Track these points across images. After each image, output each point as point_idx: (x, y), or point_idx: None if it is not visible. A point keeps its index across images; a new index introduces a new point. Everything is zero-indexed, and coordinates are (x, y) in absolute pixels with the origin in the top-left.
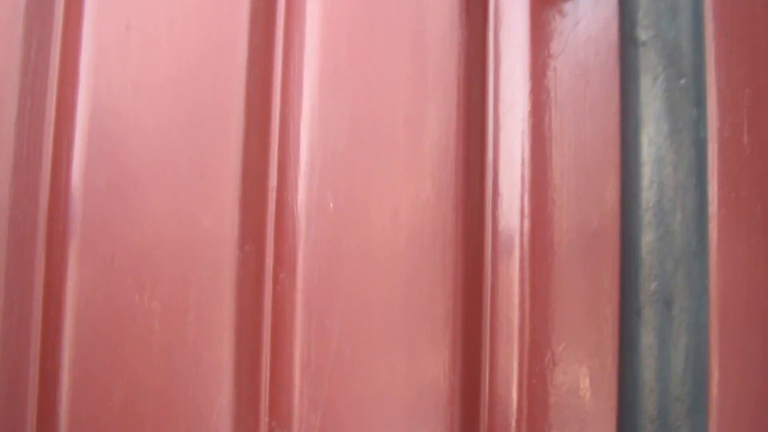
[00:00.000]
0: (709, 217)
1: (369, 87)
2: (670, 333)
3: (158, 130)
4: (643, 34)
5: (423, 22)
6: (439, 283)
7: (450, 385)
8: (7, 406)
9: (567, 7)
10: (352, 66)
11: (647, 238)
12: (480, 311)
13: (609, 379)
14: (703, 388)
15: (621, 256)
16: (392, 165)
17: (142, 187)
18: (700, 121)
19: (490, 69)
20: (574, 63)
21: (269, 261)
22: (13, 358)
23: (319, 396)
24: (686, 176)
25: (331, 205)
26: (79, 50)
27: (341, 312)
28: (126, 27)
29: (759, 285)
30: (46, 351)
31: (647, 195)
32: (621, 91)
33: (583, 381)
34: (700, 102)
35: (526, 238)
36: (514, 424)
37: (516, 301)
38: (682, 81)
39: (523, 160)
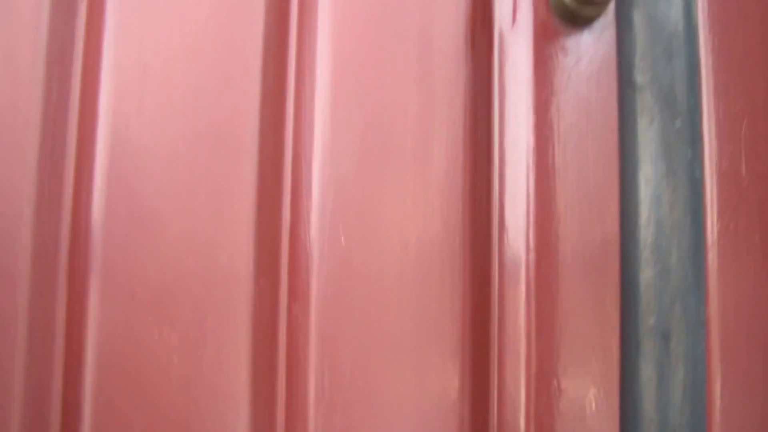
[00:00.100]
0: (704, 254)
1: (378, 125)
2: (668, 365)
3: (175, 169)
4: (639, 78)
5: (430, 60)
6: (448, 316)
7: (460, 413)
8: None
9: (569, 44)
10: (361, 105)
11: (645, 274)
12: (488, 341)
13: (612, 407)
14: (701, 418)
15: (621, 291)
16: (401, 200)
17: (160, 225)
18: (694, 161)
19: (495, 104)
20: (577, 99)
21: (283, 294)
22: (36, 391)
23: (333, 425)
24: (682, 215)
25: (343, 240)
26: (98, 92)
27: (354, 343)
28: (143, 70)
29: (759, 312)
30: (68, 384)
31: (645, 233)
32: (619, 132)
33: (587, 409)
34: (694, 143)
35: (531, 271)
36: None
37: (522, 331)
38: (677, 123)
39: (528, 193)
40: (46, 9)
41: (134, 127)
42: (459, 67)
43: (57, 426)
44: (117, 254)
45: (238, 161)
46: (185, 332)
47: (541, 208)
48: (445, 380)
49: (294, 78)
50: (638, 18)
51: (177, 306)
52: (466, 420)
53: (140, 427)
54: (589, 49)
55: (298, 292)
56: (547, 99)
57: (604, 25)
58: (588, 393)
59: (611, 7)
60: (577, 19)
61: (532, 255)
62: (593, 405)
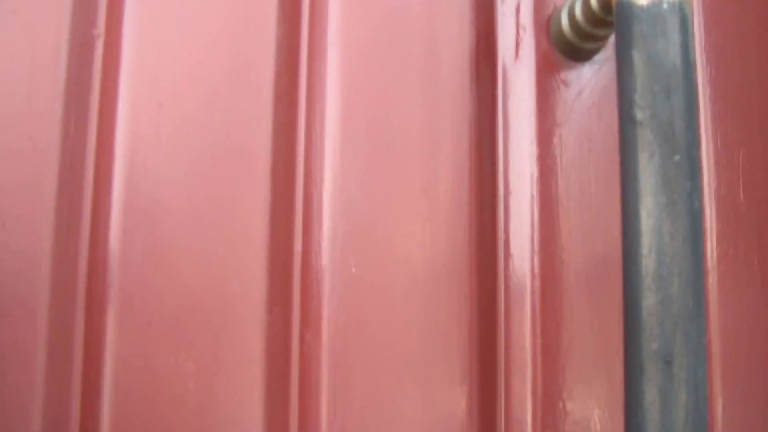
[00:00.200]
0: (704, 282)
1: (386, 156)
2: (671, 389)
3: (190, 201)
4: (639, 114)
5: (436, 93)
6: (456, 340)
7: None
8: None
9: (570, 77)
10: (369, 137)
11: (647, 302)
12: (494, 364)
13: (616, 429)
14: None
15: (624, 317)
16: (410, 230)
17: (176, 255)
18: (693, 194)
19: (500, 136)
20: (578, 130)
21: (296, 322)
22: (55, 417)
23: None
24: (682, 245)
25: (353, 269)
26: (114, 127)
27: (365, 369)
28: (159, 105)
29: (758, 335)
30: (86, 411)
31: (646, 262)
32: (621, 166)
33: (592, 430)
34: (693, 176)
35: (536, 296)
36: None
37: (528, 355)
38: (677, 157)
39: (532, 221)
40: (64, 48)
41: (150, 159)
42: (464, 100)
43: None
44: (134, 283)
45: (251, 192)
46: (201, 359)
47: (545, 236)
48: (453, 403)
49: (304, 111)
50: (638, 56)
51: (193, 333)
52: None
53: None
54: (590, 81)
55: (310, 320)
56: (549, 130)
57: (604, 59)
58: (593, 415)
59: (610, 42)
60: (578, 54)
61: (537, 281)
62: (598, 426)
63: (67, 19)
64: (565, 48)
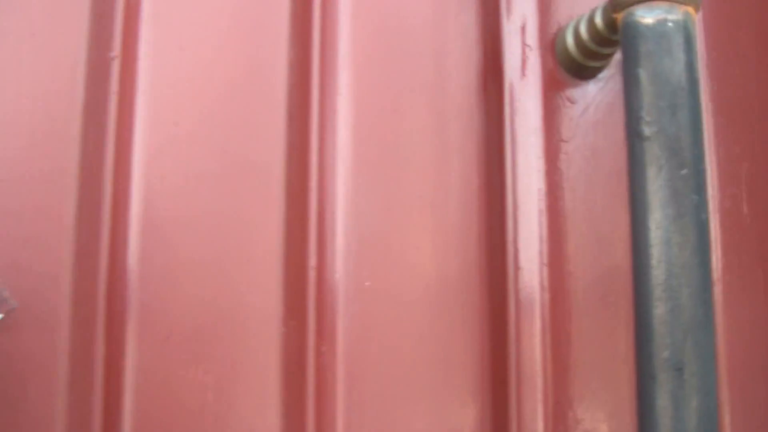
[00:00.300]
0: (712, 291)
1: (397, 173)
2: (682, 396)
3: (207, 218)
4: (646, 130)
5: (444, 111)
6: (468, 353)
7: None
8: None
9: (576, 94)
10: (381, 154)
11: (658, 311)
12: (506, 376)
13: None
14: None
15: (635, 327)
16: (421, 244)
17: (193, 271)
18: (701, 206)
19: (508, 152)
20: (584, 146)
21: (311, 335)
22: (76, 429)
23: None
24: (691, 256)
25: (367, 282)
26: (131, 145)
27: (379, 381)
28: (174, 123)
29: (763, 344)
30: (107, 424)
31: (656, 273)
32: (629, 181)
33: None
34: (700, 189)
35: (546, 308)
36: None
37: (539, 366)
38: (684, 171)
39: (540, 235)
40: (81, 70)
41: (167, 177)
42: (472, 117)
43: None
44: (152, 298)
45: (266, 208)
46: (219, 371)
47: (553, 249)
48: (465, 414)
49: (317, 129)
50: (644, 74)
51: (211, 346)
52: None
53: None
54: (595, 99)
55: (325, 332)
56: (556, 146)
57: (608, 77)
58: (603, 423)
59: (614, 60)
60: (583, 72)
61: (547, 293)
62: None
63: (84, 41)
64: (570, 66)
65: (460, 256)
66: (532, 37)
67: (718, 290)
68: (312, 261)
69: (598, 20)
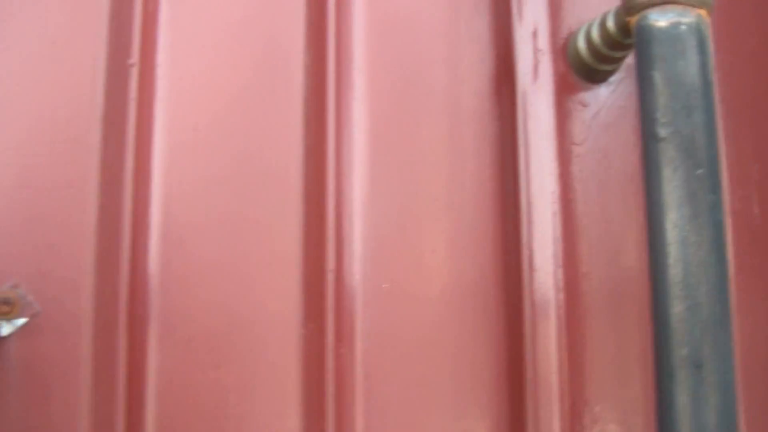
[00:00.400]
0: (729, 289)
1: (413, 177)
2: (702, 393)
3: (226, 223)
4: (662, 131)
5: (458, 115)
6: (485, 353)
7: None
8: None
9: (587, 98)
10: (396, 159)
11: (676, 309)
12: (522, 376)
13: None
14: None
15: (653, 325)
16: (439, 247)
17: (213, 275)
18: (716, 206)
19: (521, 155)
20: (596, 148)
21: (330, 337)
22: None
23: None
24: (707, 254)
25: (384, 285)
26: (151, 151)
27: (398, 382)
28: (194, 129)
29: None
30: (130, 425)
31: (674, 271)
32: (645, 181)
33: None
34: (715, 189)
35: (561, 309)
36: None
37: (555, 367)
38: (699, 171)
39: (554, 237)
40: (101, 77)
41: (186, 182)
42: (486, 121)
43: None
44: (174, 302)
45: (284, 213)
46: (240, 373)
47: (567, 250)
48: (483, 414)
49: (333, 135)
50: (658, 76)
51: (231, 349)
52: None
53: None
54: (607, 101)
55: (343, 334)
56: (569, 149)
57: (619, 80)
58: (619, 423)
59: (625, 63)
60: (595, 75)
61: (562, 294)
62: None
63: (103, 50)
64: (581, 70)
65: (476, 259)
66: (544, 42)
67: (731, 289)
68: (330, 264)
69: (610, 24)
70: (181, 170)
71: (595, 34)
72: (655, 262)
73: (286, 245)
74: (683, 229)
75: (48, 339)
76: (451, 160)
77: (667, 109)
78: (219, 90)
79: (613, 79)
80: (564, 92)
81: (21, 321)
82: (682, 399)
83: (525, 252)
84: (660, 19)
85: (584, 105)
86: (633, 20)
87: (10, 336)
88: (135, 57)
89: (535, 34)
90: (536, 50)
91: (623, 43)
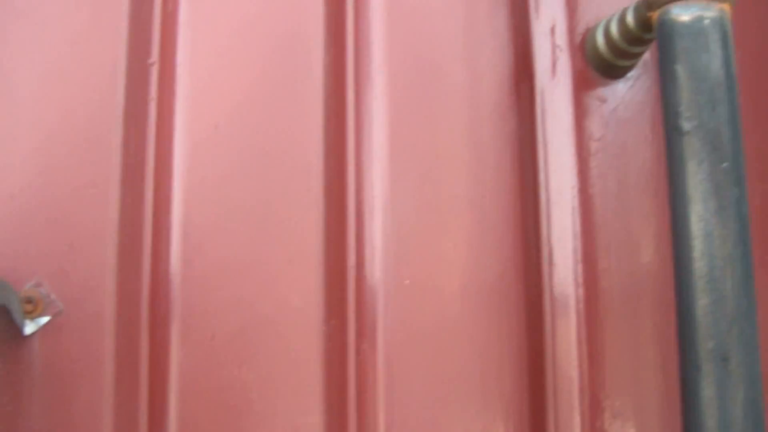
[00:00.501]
0: (753, 282)
1: (433, 173)
2: (729, 386)
3: (248, 219)
4: (686, 125)
5: (478, 112)
6: (506, 348)
7: None
8: None
9: (606, 93)
10: (417, 156)
11: (701, 302)
12: (543, 371)
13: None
14: None
15: (678, 318)
16: (459, 243)
17: (235, 272)
18: (741, 199)
19: (540, 151)
20: (615, 143)
21: (352, 333)
22: (123, 429)
23: None
24: (733, 248)
25: (406, 281)
26: (172, 150)
27: (419, 378)
28: (215, 127)
29: None
30: (153, 423)
31: (699, 265)
32: (669, 175)
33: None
34: (740, 182)
35: (581, 305)
36: None
37: (575, 361)
38: (724, 165)
39: (574, 232)
40: (121, 77)
41: (208, 180)
42: (505, 118)
43: None
44: (196, 300)
45: (305, 209)
46: (263, 370)
47: (587, 245)
48: (504, 407)
49: (353, 131)
50: (682, 70)
51: (254, 346)
52: None
53: None
54: (625, 97)
55: (365, 330)
56: (587, 145)
57: (637, 76)
58: (639, 417)
59: (643, 59)
60: (613, 71)
61: (581, 289)
62: (645, 428)
63: (123, 49)
64: (600, 66)
65: (497, 254)
66: (562, 38)
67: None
68: (351, 260)
69: (630, 19)
70: (202, 168)
71: (614, 30)
72: (680, 255)
73: (307, 242)
74: (709, 223)
75: (70, 337)
76: (470, 156)
77: (692, 103)
78: (239, 89)
79: (630, 74)
80: (582, 88)
81: (44, 319)
82: (708, 392)
83: (545, 247)
84: (683, 13)
85: (602, 101)
86: (654, 15)
87: (33, 335)
88: (155, 56)
89: (552, 31)
90: (554, 46)
91: (643, 39)
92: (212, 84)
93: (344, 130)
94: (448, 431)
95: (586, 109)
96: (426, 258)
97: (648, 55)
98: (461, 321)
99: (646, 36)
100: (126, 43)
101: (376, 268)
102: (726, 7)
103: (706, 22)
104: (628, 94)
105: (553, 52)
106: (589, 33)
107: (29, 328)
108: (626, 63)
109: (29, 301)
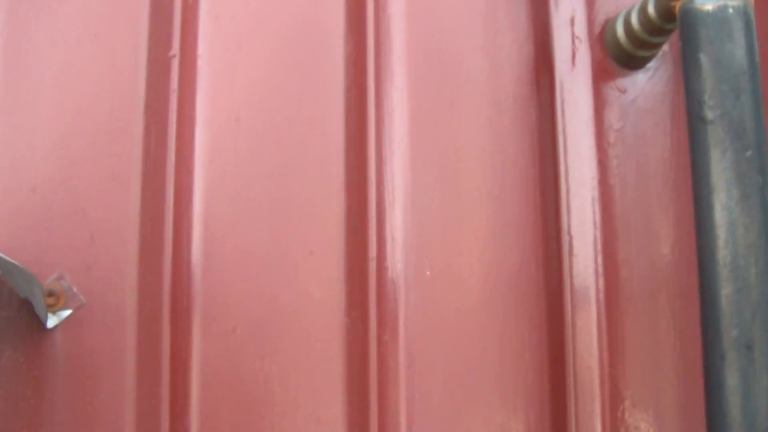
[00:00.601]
0: None
1: (454, 165)
2: (753, 374)
3: (269, 212)
4: (710, 114)
5: (498, 103)
6: (527, 339)
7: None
8: None
9: (625, 84)
10: (438, 148)
11: (725, 291)
12: (563, 361)
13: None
14: None
15: (702, 307)
16: (480, 235)
17: (257, 264)
18: (765, 187)
19: (560, 142)
20: (635, 134)
21: (373, 325)
22: (145, 422)
23: None
24: (757, 236)
25: (427, 272)
26: (193, 142)
27: (441, 370)
28: (236, 120)
29: None
30: (175, 414)
31: (723, 253)
32: (692, 163)
33: (659, 421)
34: (764, 170)
35: (601, 295)
36: None
37: (595, 351)
38: (748, 153)
39: (594, 223)
40: (142, 69)
41: (229, 172)
42: (525, 109)
43: None
44: (217, 291)
45: (326, 201)
46: (284, 362)
47: (607, 236)
48: (525, 397)
49: (374, 123)
50: (705, 59)
51: (276, 338)
52: None
53: None
54: (644, 87)
55: (386, 322)
56: (607, 135)
57: (656, 66)
58: (659, 406)
59: (663, 50)
60: (633, 61)
61: (602, 279)
62: (665, 417)
63: (144, 42)
64: (620, 56)
65: (517, 245)
66: (581, 29)
67: None
68: (372, 252)
69: (651, 10)
70: (223, 160)
71: (635, 20)
72: (704, 244)
73: (328, 234)
74: (733, 211)
75: (93, 330)
76: (490, 147)
77: (715, 92)
78: (259, 81)
79: (650, 65)
80: (602, 79)
81: (66, 312)
82: (732, 380)
83: (565, 238)
84: (706, 2)
85: (622, 91)
86: (677, 5)
87: (55, 328)
88: (176, 48)
89: (572, 21)
90: (574, 37)
91: (664, 29)
92: (233, 76)
93: (365, 122)
94: (469, 421)
95: (605, 100)
96: (446, 249)
97: (667, 46)
98: (482, 312)
99: (668, 26)
100: (147, 35)
101: (397, 260)
102: None
103: (730, 11)
104: (647, 84)
105: (573, 43)
106: (609, 23)
107: (52, 321)
108: (646, 53)
109: (51, 294)
